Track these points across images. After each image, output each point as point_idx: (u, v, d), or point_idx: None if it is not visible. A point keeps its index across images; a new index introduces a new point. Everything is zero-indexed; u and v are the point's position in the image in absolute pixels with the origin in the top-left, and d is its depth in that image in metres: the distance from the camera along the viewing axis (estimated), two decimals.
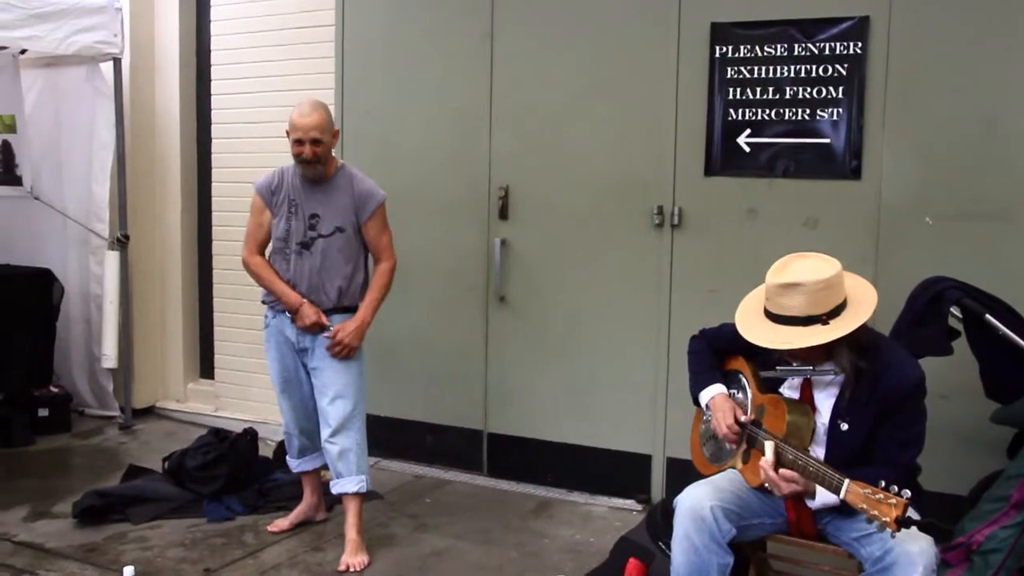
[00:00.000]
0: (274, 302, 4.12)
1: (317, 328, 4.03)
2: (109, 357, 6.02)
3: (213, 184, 6.14)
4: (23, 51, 5.80)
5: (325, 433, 4.09)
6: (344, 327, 4.03)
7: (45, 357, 5.93)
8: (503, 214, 4.95)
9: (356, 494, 4.10)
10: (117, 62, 5.90)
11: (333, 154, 4.11)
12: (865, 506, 2.56)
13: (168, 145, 6.30)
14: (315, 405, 4.19)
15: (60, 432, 5.89)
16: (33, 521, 4.50)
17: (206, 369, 6.42)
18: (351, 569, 3.99)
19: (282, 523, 4.40)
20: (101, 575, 3.92)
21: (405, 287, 5.13)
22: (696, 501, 2.92)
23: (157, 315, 6.42)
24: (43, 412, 5.88)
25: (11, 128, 5.97)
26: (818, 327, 2.81)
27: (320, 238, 4.02)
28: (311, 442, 4.31)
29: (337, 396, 4.05)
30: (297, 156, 3.97)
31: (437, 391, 5.21)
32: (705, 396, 3.22)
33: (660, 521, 3.73)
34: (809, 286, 2.82)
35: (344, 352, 4.03)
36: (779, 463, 2.87)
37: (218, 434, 4.97)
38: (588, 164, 4.74)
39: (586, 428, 4.85)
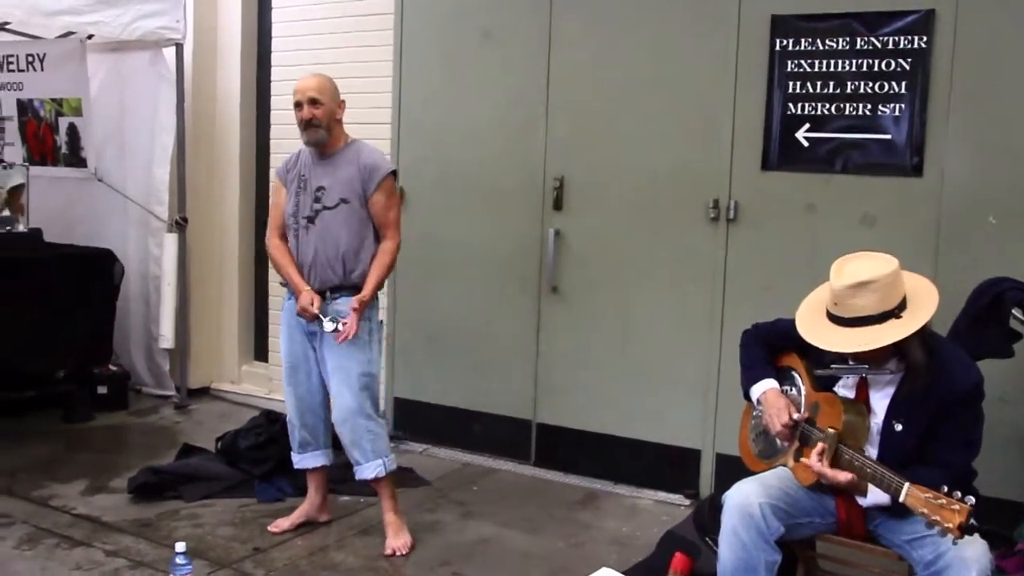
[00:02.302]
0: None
1: (310, 316, 3.93)
2: (166, 337, 6.12)
3: (271, 169, 6.16)
4: (90, 36, 5.89)
5: (335, 419, 4.04)
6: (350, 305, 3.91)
7: (105, 336, 5.98)
8: (557, 204, 4.93)
9: (383, 477, 4.06)
10: (179, 48, 5.97)
11: (347, 132, 4.09)
12: (926, 511, 2.49)
13: (228, 130, 6.37)
14: (321, 399, 4.14)
15: (118, 409, 5.99)
16: (91, 495, 4.59)
17: (260, 351, 6.49)
18: (397, 553, 3.99)
19: (283, 523, 4.24)
20: (154, 550, 3.98)
21: (457, 274, 5.23)
22: (744, 497, 2.88)
23: (213, 297, 6.49)
24: (102, 389, 5.98)
25: (77, 111, 6.07)
26: (893, 322, 2.76)
27: (325, 210, 3.96)
28: (313, 438, 4.21)
29: (342, 382, 3.97)
30: (299, 122, 3.96)
31: (487, 380, 5.21)
32: (756, 391, 3.17)
33: (708, 516, 3.70)
34: (880, 281, 2.76)
35: (351, 323, 3.87)
36: (835, 464, 2.82)
37: (270, 416, 5.01)
38: (644, 156, 4.70)
39: (636, 421, 4.81)
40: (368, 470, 4.03)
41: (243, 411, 5.92)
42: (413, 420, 5.48)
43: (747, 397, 3.25)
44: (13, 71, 6.24)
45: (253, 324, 6.55)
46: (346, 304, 3.94)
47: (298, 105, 3.96)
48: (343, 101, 4.06)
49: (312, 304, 3.91)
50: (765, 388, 3.14)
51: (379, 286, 4.03)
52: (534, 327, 5.05)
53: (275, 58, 6.08)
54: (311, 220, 3.98)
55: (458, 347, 5.27)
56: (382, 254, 4.01)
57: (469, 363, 5.24)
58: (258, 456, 4.75)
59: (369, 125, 5.38)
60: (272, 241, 4.12)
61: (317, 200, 3.98)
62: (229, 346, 6.52)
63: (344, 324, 3.89)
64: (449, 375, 5.30)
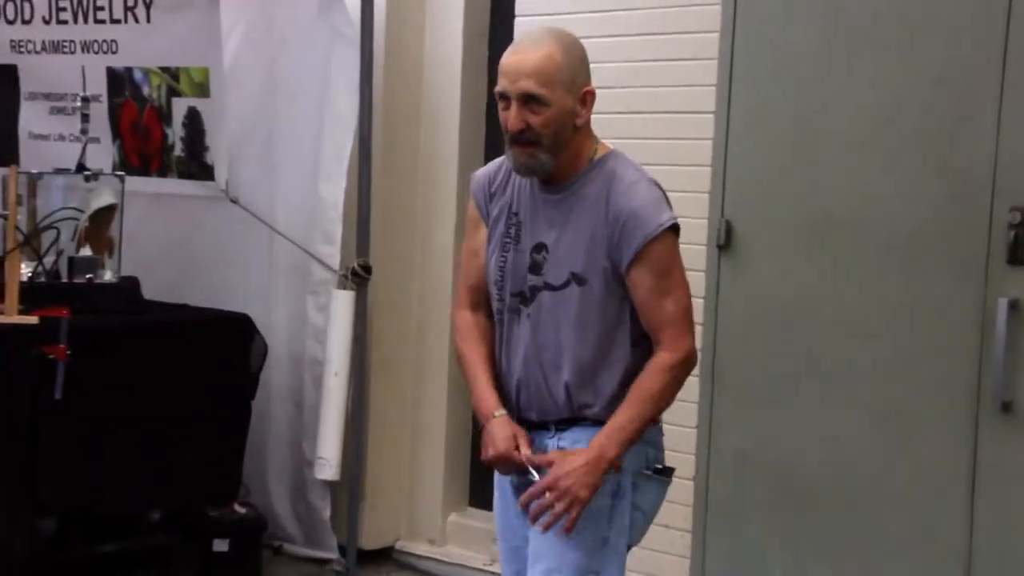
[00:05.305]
0: None
1: (508, 467, 3.61)
2: (328, 463, 6.10)
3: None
4: None
5: None
6: (561, 464, 3.47)
7: (230, 458, 6.03)
8: (1015, 257, 4.57)
9: None
10: None
11: (595, 136, 3.59)
12: None
13: (442, 124, 6.49)
14: None
15: None
16: None
17: (479, 494, 6.42)
18: None
19: None
20: None
21: (821, 374, 5.11)
22: None
23: (407, 399, 6.58)
24: (220, 545, 5.99)
25: (203, 90, 6.27)
26: None
27: (546, 289, 3.54)
28: None
29: (548, 572, 3.58)
30: (503, 127, 3.49)
31: (879, 556, 4.91)
32: None
33: None
34: None
35: (563, 509, 3.47)
36: None
37: None
38: None
39: None
40: None
41: None
42: None
43: None
44: (103, 22, 6.51)
45: (470, 447, 6.52)
46: (579, 441, 3.55)
47: (502, 98, 3.46)
48: (591, 90, 3.50)
49: (507, 444, 3.55)
50: None
51: (639, 430, 3.50)
52: (967, 469, 4.68)
53: (520, 5, 6.05)
54: (523, 300, 3.60)
55: (824, 503, 5.03)
56: (652, 373, 3.51)
57: (843, 526, 4.99)
58: None
59: (677, 115, 5.55)
60: (460, 315, 3.82)
61: (535, 268, 3.57)
62: (430, 482, 6.59)
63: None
64: (808, 551, 5.09)
